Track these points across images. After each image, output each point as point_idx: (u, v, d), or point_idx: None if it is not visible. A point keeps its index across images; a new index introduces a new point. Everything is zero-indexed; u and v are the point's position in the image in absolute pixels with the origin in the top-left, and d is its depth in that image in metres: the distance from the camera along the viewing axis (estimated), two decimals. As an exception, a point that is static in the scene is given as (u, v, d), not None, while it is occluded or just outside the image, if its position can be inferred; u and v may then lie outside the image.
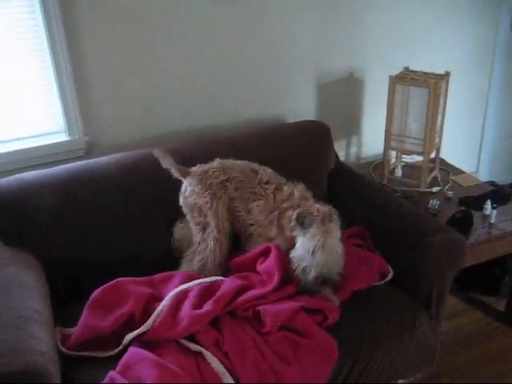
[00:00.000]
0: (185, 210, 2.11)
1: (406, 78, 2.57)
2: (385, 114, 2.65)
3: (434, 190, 2.65)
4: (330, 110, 2.85)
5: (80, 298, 1.87)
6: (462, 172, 2.86)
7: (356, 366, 1.83)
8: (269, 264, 1.93)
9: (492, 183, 2.87)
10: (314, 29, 2.64)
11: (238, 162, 2.16)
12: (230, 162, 2.15)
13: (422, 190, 2.66)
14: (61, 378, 1.56)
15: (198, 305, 1.78)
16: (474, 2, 3.04)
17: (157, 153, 2.11)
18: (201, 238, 2.06)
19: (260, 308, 1.79)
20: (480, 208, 2.46)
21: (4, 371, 1.39)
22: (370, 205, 2.32)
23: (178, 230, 2.19)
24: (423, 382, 2.17)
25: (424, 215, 2.24)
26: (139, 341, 1.71)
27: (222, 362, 1.66)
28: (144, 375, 1.56)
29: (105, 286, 1.87)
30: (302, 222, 1.87)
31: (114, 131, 2.40)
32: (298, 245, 1.90)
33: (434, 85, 2.47)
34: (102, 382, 1.58)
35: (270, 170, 2.16)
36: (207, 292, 1.84)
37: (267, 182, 2.09)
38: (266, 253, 1.99)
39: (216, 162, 2.14)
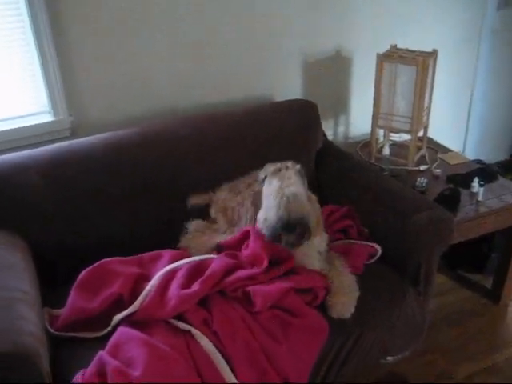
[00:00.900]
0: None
1: (393, 56, 2.55)
2: (372, 92, 2.64)
3: (422, 168, 2.66)
4: (318, 89, 2.83)
5: (67, 279, 1.84)
6: (450, 150, 2.87)
7: (346, 344, 1.83)
8: (252, 248, 1.91)
9: (479, 161, 2.88)
10: (301, 6, 2.60)
11: None
12: None
13: (409, 168, 2.66)
14: (49, 359, 1.55)
15: (186, 284, 1.76)
16: (462, -20, 3.03)
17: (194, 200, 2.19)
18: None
19: (250, 288, 1.78)
20: (467, 186, 2.47)
21: (-8, 352, 1.37)
22: (357, 183, 2.31)
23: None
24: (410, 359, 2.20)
25: (412, 193, 2.23)
26: (128, 321, 1.70)
27: (211, 341, 1.65)
28: (134, 355, 1.55)
29: (92, 266, 1.84)
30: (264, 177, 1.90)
31: (99, 112, 2.36)
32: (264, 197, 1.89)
33: (422, 62, 2.45)
34: (92, 362, 1.57)
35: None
36: (196, 271, 1.82)
37: None
38: (247, 237, 1.97)
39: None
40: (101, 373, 1.52)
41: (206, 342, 1.64)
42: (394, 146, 2.84)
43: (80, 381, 1.50)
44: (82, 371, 1.54)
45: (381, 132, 2.84)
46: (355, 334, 1.84)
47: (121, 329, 1.66)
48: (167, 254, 1.95)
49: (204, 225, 2.17)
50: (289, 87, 2.75)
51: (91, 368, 1.54)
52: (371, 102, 2.66)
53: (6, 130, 2.19)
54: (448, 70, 3.06)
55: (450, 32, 3.09)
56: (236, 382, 1.59)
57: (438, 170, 2.61)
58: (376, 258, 2.07)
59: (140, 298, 1.73)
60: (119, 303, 1.74)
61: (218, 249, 2.00)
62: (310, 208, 1.86)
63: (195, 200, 2.21)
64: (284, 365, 1.66)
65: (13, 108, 2.22)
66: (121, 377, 1.49)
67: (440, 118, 3.06)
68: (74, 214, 2.04)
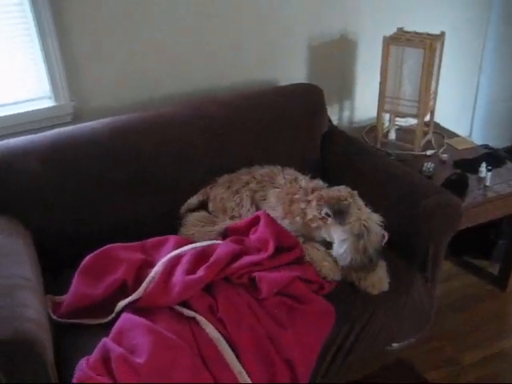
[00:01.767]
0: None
1: (400, 39, 2.50)
2: (378, 76, 2.60)
3: (429, 153, 2.62)
4: (323, 73, 2.79)
5: (70, 265, 1.82)
6: (456, 135, 2.83)
7: (353, 330, 1.81)
8: (261, 232, 1.89)
9: (486, 146, 2.84)
10: (306, -12, 2.56)
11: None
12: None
13: (416, 153, 2.62)
14: (53, 345, 1.53)
15: (191, 270, 1.74)
16: (469, -38, 2.97)
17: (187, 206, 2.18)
18: None
19: (256, 274, 1.76)
20: (475, 171, 2.43)
21: (-6, 339, 1.35)
22: (363, 168, 2.28)
23: None
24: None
25: (419, 177, 2.20)
26: (132, 308, 1.68)
27: (216, 328, 1.63)
28: (138, 342, 1.53)
29: (95, 252, 1.82)
30: (339, 211, 1.83)
31: (101, 96, 2.32)
32: (338, 234, 1.85)
33: (430, 45, 2.41)
34: (95, 349, 1.55)
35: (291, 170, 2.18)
36: (201, 257, 1.79)
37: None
38: (257, 222, 1.95)
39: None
40: (105, 359, 1.51)
41: (211, 329, 1.62)
42: (400, 130, 2.80)
43: (84, 367, 1.48)
44: (85, 358, 1.52)
45: (386, 117, 2.79)
46: (362, 320, 1.82)
47: (124, 315, 1.64)
48: (172, 239, 1.92)
49: (203, 216, 2.14)
50: (294, 72, 2.71)
51: (95, 354, 1.53)
52: (377, 86, 2.62)
53: (7, 116, 2.16)
54: (455, 53, 3.02)
55: (457, 13, 3.04)
56: (242, 369, 1.57)
57: (444, 155, 2.57)
58: (383, 242, 2.03)
59: (144, 285, 1.71)
60: (123, 289, 1.72)
61: (225, 233, 1.98)
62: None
63: (189, 206, 2.17)
64: (290, 351, 1.64)
65: (14, 93, 2.19)
66: (125, 364, 1.47)
67: (447, 102, 3.02)
68: (75, 201, 2.02)
